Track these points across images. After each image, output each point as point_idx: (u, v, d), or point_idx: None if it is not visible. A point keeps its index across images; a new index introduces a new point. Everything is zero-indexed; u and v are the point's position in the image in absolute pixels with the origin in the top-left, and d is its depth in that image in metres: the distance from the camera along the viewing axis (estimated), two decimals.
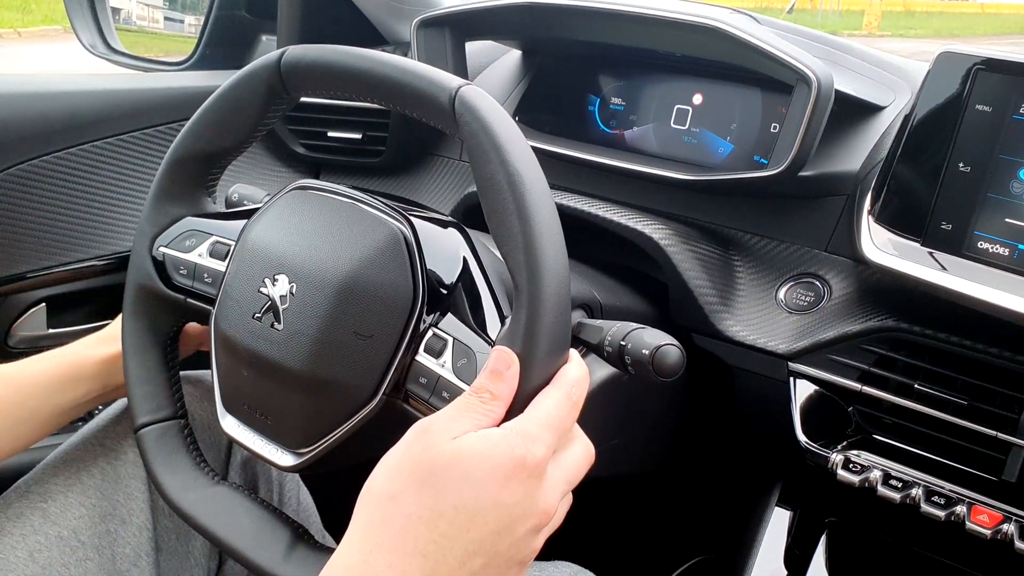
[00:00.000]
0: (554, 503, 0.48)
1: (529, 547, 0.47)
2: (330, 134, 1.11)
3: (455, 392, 0.57)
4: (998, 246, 0.71)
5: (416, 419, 0.60)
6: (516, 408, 0.51)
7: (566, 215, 0.90)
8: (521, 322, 0.53)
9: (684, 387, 0.91)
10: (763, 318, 0.85)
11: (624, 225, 0.88)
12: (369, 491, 0.48)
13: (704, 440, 0.97)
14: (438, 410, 0.58)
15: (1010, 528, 0.70)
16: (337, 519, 0.97)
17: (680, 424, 0.94)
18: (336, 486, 1.01)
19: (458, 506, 0.45)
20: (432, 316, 0.60)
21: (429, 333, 0.60)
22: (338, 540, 0.92)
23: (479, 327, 0.60)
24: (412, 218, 0.64)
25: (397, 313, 0.60)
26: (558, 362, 0.54)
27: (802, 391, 0.81)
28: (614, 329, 0.65)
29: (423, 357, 0.60)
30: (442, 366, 0.59)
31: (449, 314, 0.61)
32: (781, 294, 0.86)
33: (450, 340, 0.59)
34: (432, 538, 0.44)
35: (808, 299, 0.84)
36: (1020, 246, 0.70)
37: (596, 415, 0.80)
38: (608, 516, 1.32)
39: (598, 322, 0.68)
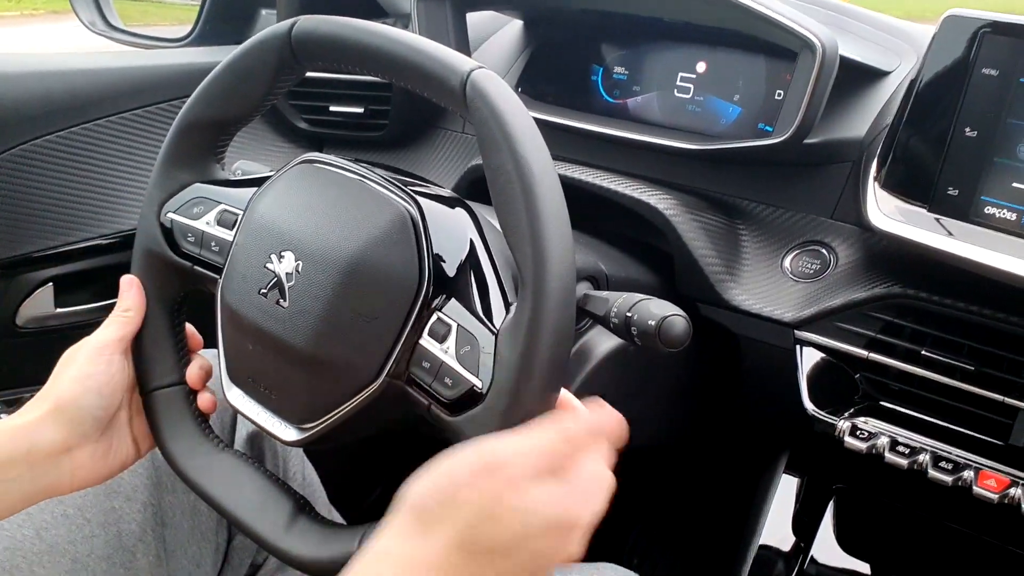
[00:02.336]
0: (587, 506, 0.49)
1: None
2: (332, 108, 1.11)
3: (457, 379, 0.57)
4: (1005, 211, 0.70)
5: (418, 402, 0.61)
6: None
7: (571, 187, 0.90)
8: (525, 316, 0.53)
9: (692, 357, 0.91)
10: (769, 287, 0.85)
11: (628, 196, 0.88)
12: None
13: (713, 410, 0.97)
14: (439, 395, 0.58)
15: (1017, 492, 0.70)
16: (342, 494, 0.98)
17: (689, 395, 0.94)
18: (342, 462, 1.02)
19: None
20: (438, 299, 0.60)
21: (434, 317, 0.60)
22: (344, 515, 0.93)
23: (484, 314, 0.60)
24: (419, 198, 0.64)
25: (402, 295, 0.60)
26: (561, 355, 0.54)
27: (809, 359, 0.81)
28: (620, 300, 0.65)
29: (427, 341, 0.60)
30: (445, 352, 0.58)
31: (454, 299, 0.61)
32: (787, 262, 0.86)
33: (455, 326, 0.59)
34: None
35: (814, 267, 0.84)
36: None
37: (605, 387, 0.80)
38: (627, 497, 1.33)
39: (604, 294, 0.68)
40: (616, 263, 0.84)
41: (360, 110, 1.10)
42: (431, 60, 0.58)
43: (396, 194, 0.63)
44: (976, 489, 0.71)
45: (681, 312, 0.62)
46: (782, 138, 0.81)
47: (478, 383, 0.56)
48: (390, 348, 0.60)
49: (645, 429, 0.93)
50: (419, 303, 0.60)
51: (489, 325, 0.58)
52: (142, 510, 0.75)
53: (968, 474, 0.72)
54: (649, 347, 0.62)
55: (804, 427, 0.81)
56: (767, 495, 0.84)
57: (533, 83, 1.06)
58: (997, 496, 0.70)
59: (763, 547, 0.82)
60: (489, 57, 1.08)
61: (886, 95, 0.86)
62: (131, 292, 0.71)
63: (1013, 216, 0.70)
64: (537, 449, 0.49)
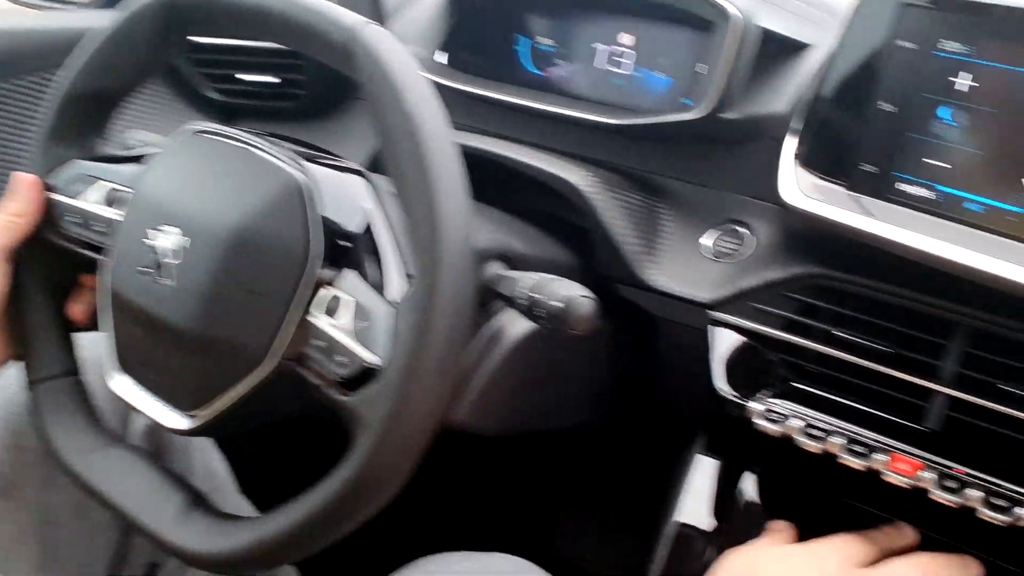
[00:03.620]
0: None
1: None
2: (243, 77, 1.06)
3: (352, 357, 0.54)
4: (919, 188, 0.68)
5: (312, 383, 0.58)
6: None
7: (487, 161, 0.87)
8: (420, 287, 0.51)
9: (610, 339, 0.88)
10: (687, 266, 0.83)
11: (546, 171, 0.85)
12: None
13: (632, 392, 0.95)
14: (334, 374, 0.55)
15: (929, 476, 0.68)
16: (253, 483, 0.95)
17: (608, 377, 0.92)
18: (250, 451, 0.98)
19: None
20: (331, 273, 0.57)
21: (326, 292, 0.57)
22: (256, 504, 0.90)
23: (381, 286, 0.57)
24: (310, 165, 0.61)
25: (291, 269, 0.57)
26: (458, 328, 0.52)
27: (724, 340, 0.79)
28: (527, 281, 0.63)
29: (318, 317, 0.57)
30: (340, 328, 0.55)
31: (349, 270, 0.58)
32: (707, 242, 0.83)
33: (351, 300, 0.56)
34: None
35: (733, 246, 0.82)
36: (939, 187, 0.67)
37: (520, 370, 0.78)
38: (551, 481, 1.31)
39: (515, 274, 0.66)
40: (532, 242, 0.81)
41: (275, 79, 1.05)
42: (311, 14, 0.55)
43: (284, 162, 0.60)
44: (888, 473, 0.70)
45: (588, 293, 0.60)
46: (701, 113, 0.78)
47: (375, 360, 0.53)
48: (278, 325, 0.57)
49: (564, 412, 0.91)
50: (306, 276, 0.56)
51: (388, 299, 0.55)
52: (22, 509, 0.70)
53: (880, 458, 0.70)
54: (557, 328, 0.60)
55: (719, 410, 0.79)
56: (683, 479, 0.82)
57: (457, 52, 1.02)
58: (909, 481, 0.69)
59: (683, 527, 0.80)
60: (410, 24, 1.04)
61: (812, 69, 0.84)
62: (24, 192, 0.66)
63: (927, 193, 0.68)
64: None
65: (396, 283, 0.57)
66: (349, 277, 0.57)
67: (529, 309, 0.61)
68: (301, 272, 0.56)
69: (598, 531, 1.27)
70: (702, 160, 0.85)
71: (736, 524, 0.79)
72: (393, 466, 0.53)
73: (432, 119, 0.52)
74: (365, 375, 0.53)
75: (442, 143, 0.52)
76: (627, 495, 1.09)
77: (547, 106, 0.89)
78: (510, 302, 0.63)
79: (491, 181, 0.81)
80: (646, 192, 0.87)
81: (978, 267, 0.65)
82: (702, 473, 0.82)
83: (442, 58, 1.00)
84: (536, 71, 0.99)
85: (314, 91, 1.05)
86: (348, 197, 0.61)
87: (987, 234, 0.66)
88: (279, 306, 0.57)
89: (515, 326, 0.76)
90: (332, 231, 0.58)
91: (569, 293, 0.59)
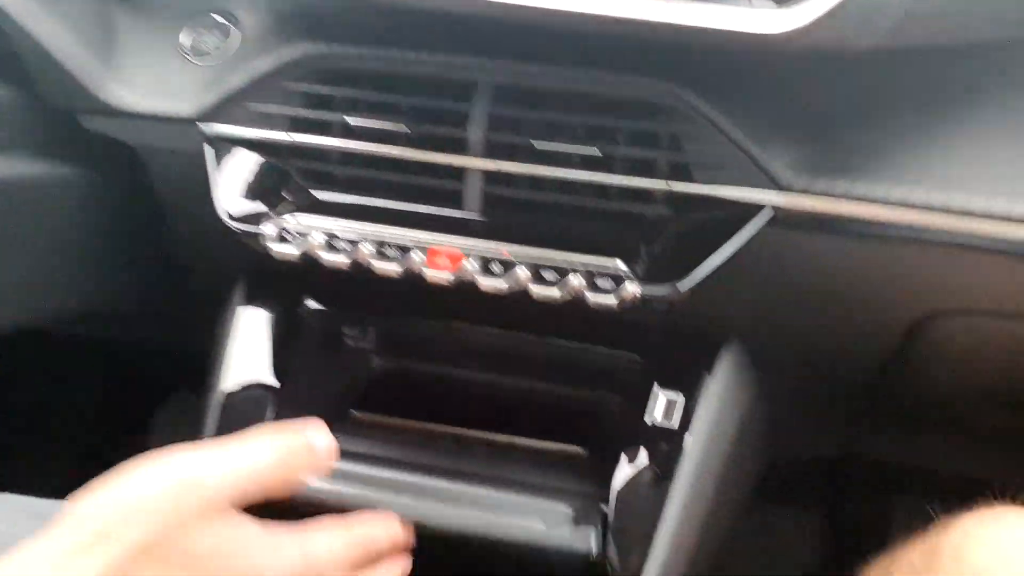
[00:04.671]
0: None
1: None
2: None
3: None
4: None
5: None
6: None
7: None
8: None
9: (86, 187, 0.69)
10: (162, 77, 0.64)
11: None
12: None
13: (143, 261, 0.77)
14: None
15: (472, 265, 0.58)
16: None
17: (101, 254, 0.73)
18: None
19: None
20: None
21: None
22: None
23: None
24: None
25: None
26: None
27: (224, 159, 0.63)
28: None
29: None
30: None
31: None
32: (184, 41, 0.65)
33: None
34: None
35: (215, 41, 0.64)
36: None
37: None
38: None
39: None
40: None
41: None
42: None
43: None
44: (427, 272, 0.58)
45: None
46: None
47: None
48: None
49: (51, 297, 0.71)
50: None
51: None
52: None
53: (417, 256, 0.58)
54: None
55: (242, 245, 0.63)
56: (227, 335, 0.67)
57: None
58: (450, 276, 0.58)
59: (239, 386, 0.65)
60: None
61: None
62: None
63: None
64: None
65: None
66: None
67: None
68: None
69: None
70: None
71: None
72: None
73: None
74: None
75: None
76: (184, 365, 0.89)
77: None
78: None
79: None
80: None
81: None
82: (247, 326, 0.67)
83: None
84: None
85: None
86: None
87: None
88: None
89: None
90: None
91: None
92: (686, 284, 0.57)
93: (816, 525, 1.12)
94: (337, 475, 0.57)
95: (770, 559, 1.08)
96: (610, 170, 0.58)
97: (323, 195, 0.62)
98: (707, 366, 0.65)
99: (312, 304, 0.69)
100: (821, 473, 1.08)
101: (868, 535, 1.06)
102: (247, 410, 0.64)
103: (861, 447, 0.95)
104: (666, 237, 0.59)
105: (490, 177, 0.60)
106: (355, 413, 0.69)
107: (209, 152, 0.62)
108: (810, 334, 0.68)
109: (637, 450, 0.62)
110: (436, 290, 0.60)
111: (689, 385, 0.64)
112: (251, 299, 0.69)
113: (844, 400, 0.81)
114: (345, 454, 0.47)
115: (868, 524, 1.09)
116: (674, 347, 0.65)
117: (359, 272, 0.60)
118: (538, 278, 0.57)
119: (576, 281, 0.57)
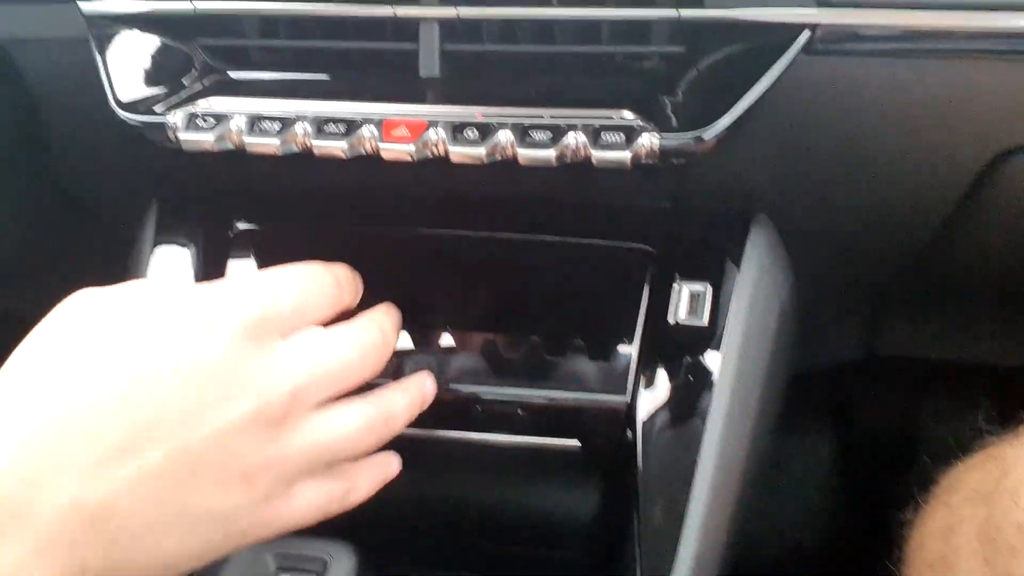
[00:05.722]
0: None
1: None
2: None
3: None
4: None
5: None
6: None
7: None
8: None
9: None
10: None
11: None
12: None
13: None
14: None
15: (438, 135, 0.45)
16: None
17: None
18: None
19: None
20: None
21: None
22: None
23: None
24: None
25: None
26: None
27: (112, 42, 0.49)
28: None
29: None
30: None
31: None
32: None
33: None
34: None
35: None
36: None
37: None
38: None
39: None
40: None
41: None
42: None
43: None
44: (385, 146, 0.45)
45: None
46: None
47: None
48: None
49: None
50: None
51: None
52: None
53: (369, 131, 0.45)
54: None
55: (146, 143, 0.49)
56: (140, 275, 0.54)
57: None
58: (411, 148, 0.45)
59: None
60: None
61: None
62: None
63: None
64: None
65: None
66: None
67: None
68: None
69: None
70: None
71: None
72: None
73: None
74: None
75: None
76: None
77: None
78: None
79: None
80: None
81: None
82: (163, 263, 0.54)
83: None
84: None
85: None
86: None
87: None
88: None
89: None
90: None
91: None
92: (711, 132, 0.45)
93: (826, 454, 1.02)
94: None
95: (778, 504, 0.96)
96: (602, 4, 0.46)
97: (241, 75, 0.49)
98: (734, 249, 0.53)
99: (243, 225, 0.55)
100: (835, 386, 0.97)
101: (893, 447, 0.95)
102: None
103: (883, 347, 0.84)
104: (680, 81, 0.47)
105: (450, 29, 0.47)
106: None
107: (94, 36, 0.49)
108: (848, 201, 0.56)
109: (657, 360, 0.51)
110: (396, 184, 0.48)
111: (715, 274, 0.53)
112: (166, 231, 0.55)
113: (873, 290, 0.71)
114: None
115: (890, 437, 0.98)
116: (692, 230, 0.54)
117: (295, 169, 0.48)
118: (526, 140, 0.45)
119: (575, 139, 0.44)
